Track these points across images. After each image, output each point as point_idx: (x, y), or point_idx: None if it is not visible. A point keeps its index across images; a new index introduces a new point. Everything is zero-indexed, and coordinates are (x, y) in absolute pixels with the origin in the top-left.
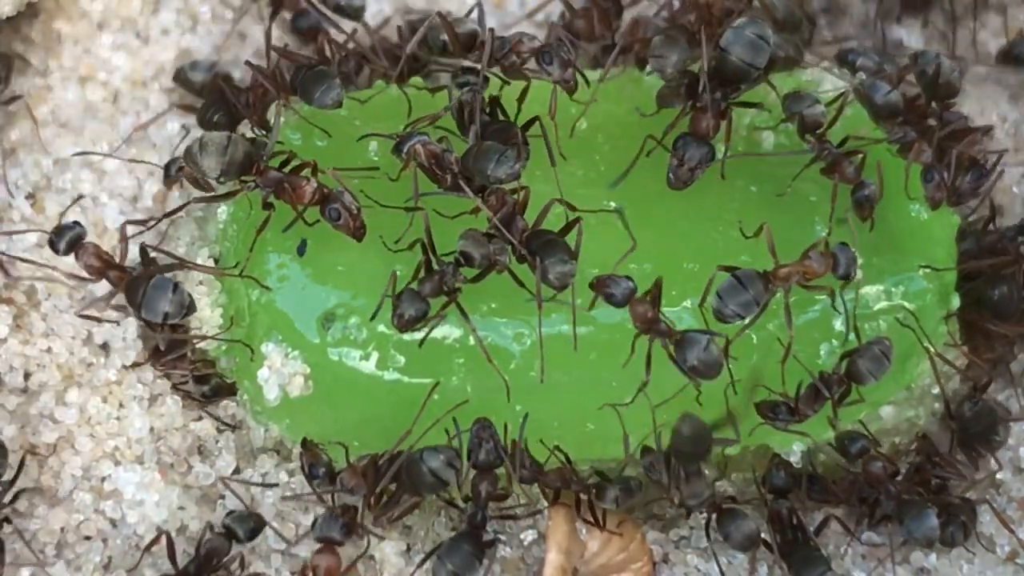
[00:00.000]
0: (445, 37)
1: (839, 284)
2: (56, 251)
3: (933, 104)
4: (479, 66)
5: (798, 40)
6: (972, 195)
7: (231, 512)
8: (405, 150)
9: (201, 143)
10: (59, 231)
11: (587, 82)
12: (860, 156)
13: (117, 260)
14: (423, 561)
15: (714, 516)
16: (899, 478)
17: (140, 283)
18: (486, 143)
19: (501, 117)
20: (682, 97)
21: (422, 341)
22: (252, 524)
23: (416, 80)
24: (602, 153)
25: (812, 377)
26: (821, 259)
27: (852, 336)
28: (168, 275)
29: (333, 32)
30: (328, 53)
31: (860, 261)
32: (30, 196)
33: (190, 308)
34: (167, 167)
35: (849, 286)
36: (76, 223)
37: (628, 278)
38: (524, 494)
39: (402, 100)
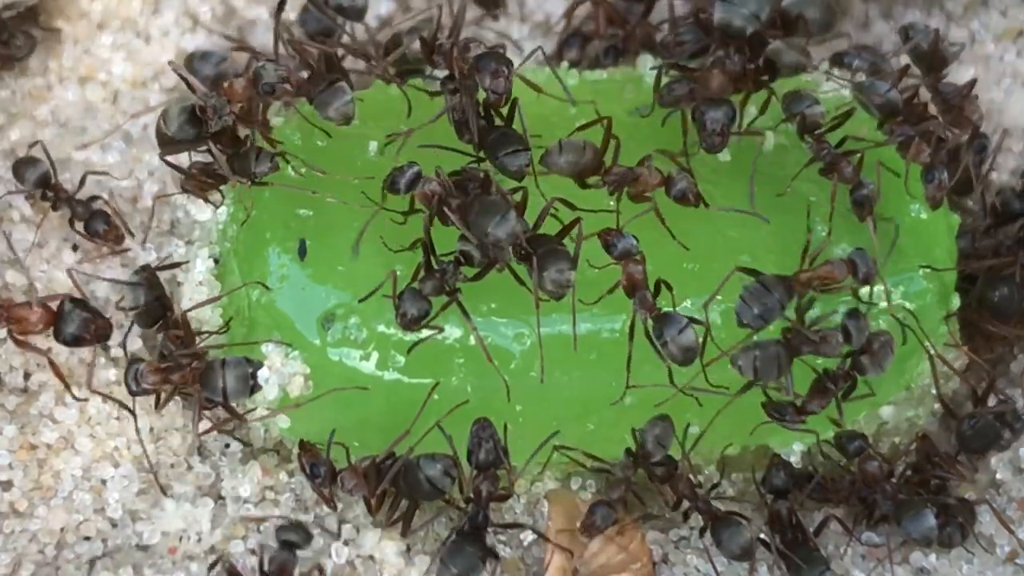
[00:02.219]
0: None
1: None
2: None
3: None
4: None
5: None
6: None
7: (281, 527)
8: (403, 189)
9: (164, 116)
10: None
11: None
12: (858, 156)
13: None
14: (429, 566)
15: (710, 523)
16: (895, 478)
17: (215, 369)
18: (489, 198)
19: (498, 121)
20: (685, 98)
21: (415, 344)
22: (305, 531)
23: (416, 81)
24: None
25: (817, 372)
26: (841, 265)
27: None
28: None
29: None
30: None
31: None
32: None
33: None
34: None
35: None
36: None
37: (635, 238)
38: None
39: (402, 100)
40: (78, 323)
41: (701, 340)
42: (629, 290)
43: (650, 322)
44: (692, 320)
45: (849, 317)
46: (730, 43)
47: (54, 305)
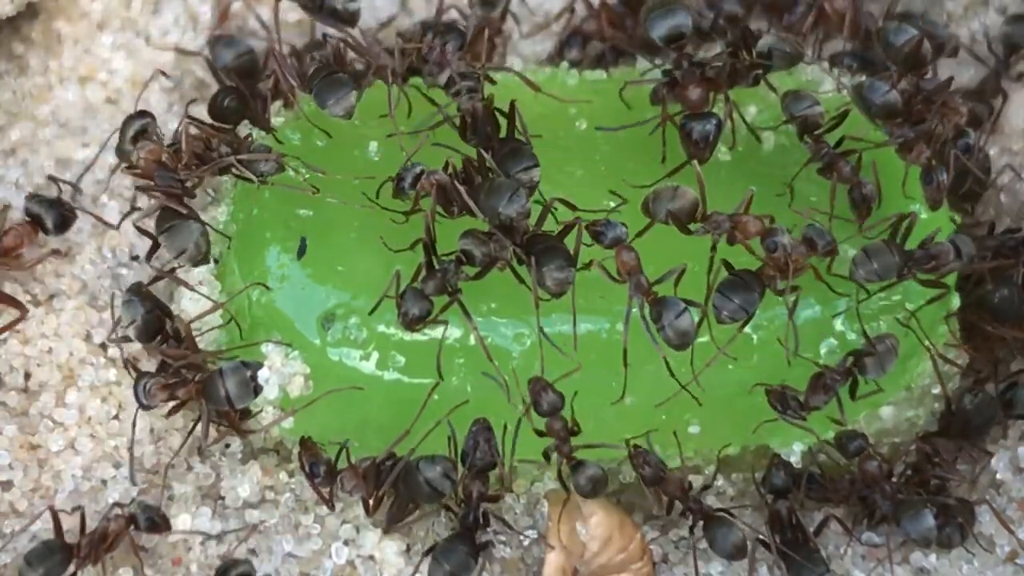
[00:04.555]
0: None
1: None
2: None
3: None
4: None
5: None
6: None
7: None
8: (409, 186)
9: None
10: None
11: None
12: (857, 156)
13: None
14: (420, 562)
15: (701, 523)
16: (895, 478)
17: (215, 379)
18: (497, 180)
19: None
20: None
21: (438, 362)
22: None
23: (416, 81)
24: (602, 153)
25: (821, 369)
26: (799, 246)
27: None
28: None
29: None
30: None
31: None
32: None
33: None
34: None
35: (850, 286)
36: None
37: (623, 224)
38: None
39: (402, 100)
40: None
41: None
42: (623, 276)
43: (647, 308)
44: (689, 303)
45: (958, 236)
46: (680, 51)
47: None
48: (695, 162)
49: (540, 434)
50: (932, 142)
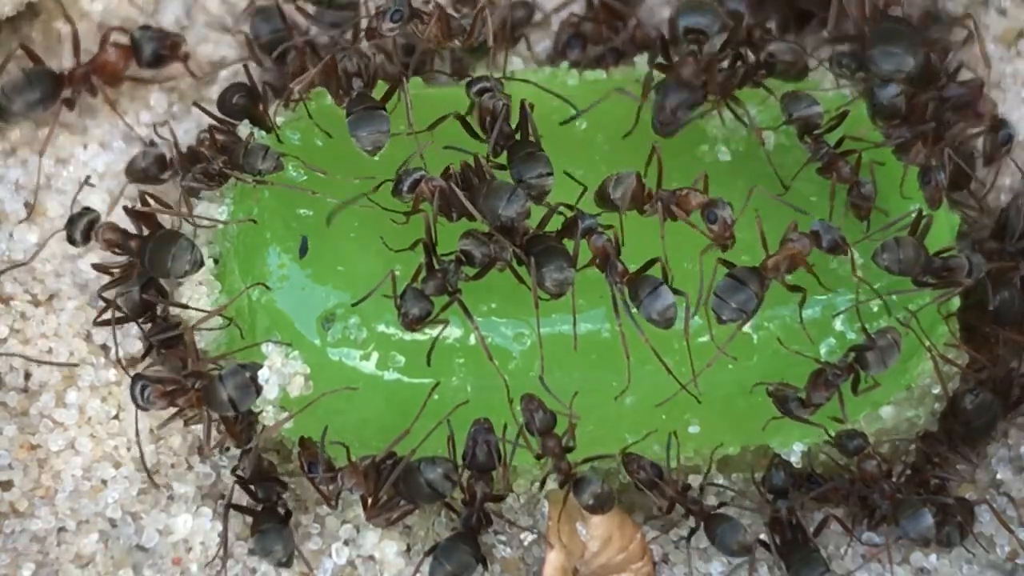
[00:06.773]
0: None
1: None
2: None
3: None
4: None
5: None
6: (991, 161)
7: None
8: (407, 190)
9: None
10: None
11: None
12: (856, 155)
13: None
14: (420, 562)
15: (702, 524)
16: (895, 477)
17: (215, 385)
18: (496, 181)
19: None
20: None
21: (430, 354)
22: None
23: (416, 80)
24: (602, 153)
25: (822, 365)
26: (803, 239)
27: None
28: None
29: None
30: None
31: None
32: (27, 206)
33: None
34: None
35: (850, 286)
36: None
37: (594, 216)
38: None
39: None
40: (154, 43)
41: (689, 311)
42: (601, 263)
43: (627, 292)
44: (675, 291)
45: (973, 254)
46: (700, 44)
47: (124, 39)
48: (657, 145)
49: (538, 457)
50: (929, 142)
